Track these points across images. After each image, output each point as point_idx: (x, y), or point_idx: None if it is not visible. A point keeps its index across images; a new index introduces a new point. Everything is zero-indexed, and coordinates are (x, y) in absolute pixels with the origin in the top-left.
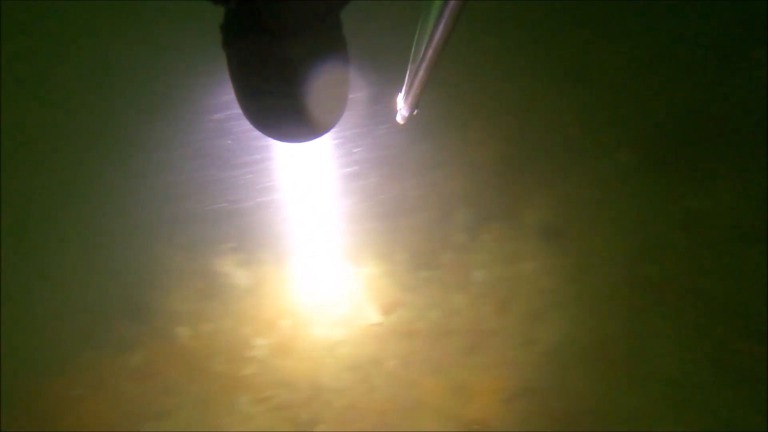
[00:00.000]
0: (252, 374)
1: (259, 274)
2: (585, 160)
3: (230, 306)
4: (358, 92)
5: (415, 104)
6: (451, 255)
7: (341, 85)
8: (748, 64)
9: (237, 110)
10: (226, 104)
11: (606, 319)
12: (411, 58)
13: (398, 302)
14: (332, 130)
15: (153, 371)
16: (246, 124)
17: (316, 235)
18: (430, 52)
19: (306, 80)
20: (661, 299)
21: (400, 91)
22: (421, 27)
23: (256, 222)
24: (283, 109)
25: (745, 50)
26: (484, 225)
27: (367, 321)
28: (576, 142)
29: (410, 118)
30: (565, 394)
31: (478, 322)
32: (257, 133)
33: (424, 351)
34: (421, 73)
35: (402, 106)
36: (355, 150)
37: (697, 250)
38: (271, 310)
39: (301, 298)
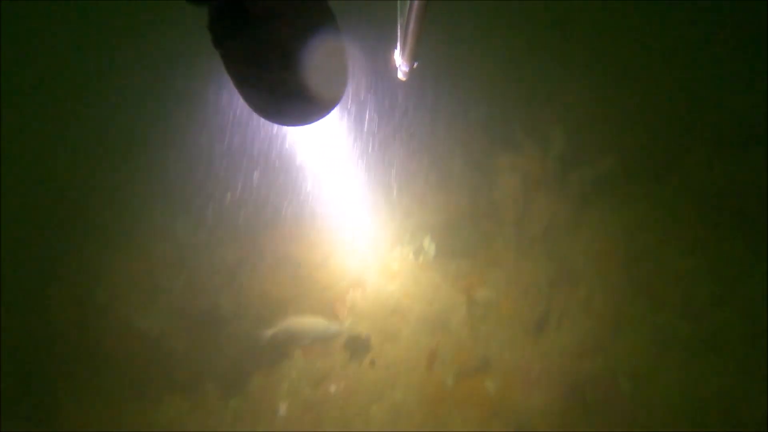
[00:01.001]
0: None
1: None
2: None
3: None
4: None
5: (413, 57)
6: (261, 380)
7: (338, 56)
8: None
9: None
10: None
11: None
12: (399, 13)
13: None
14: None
15: None
16: None
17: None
18: (417, 1)
19: (303, 59)
20: (454, 405)
21: (396, 48)
22: None
23: None
24: (287, 94)
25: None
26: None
27: None
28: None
29: (411, 72)
30: None
31: None
32: None
33: None
34: (411, 25)
35: (401, 62)
36: None
37: (483, 347)
38: None
39: None
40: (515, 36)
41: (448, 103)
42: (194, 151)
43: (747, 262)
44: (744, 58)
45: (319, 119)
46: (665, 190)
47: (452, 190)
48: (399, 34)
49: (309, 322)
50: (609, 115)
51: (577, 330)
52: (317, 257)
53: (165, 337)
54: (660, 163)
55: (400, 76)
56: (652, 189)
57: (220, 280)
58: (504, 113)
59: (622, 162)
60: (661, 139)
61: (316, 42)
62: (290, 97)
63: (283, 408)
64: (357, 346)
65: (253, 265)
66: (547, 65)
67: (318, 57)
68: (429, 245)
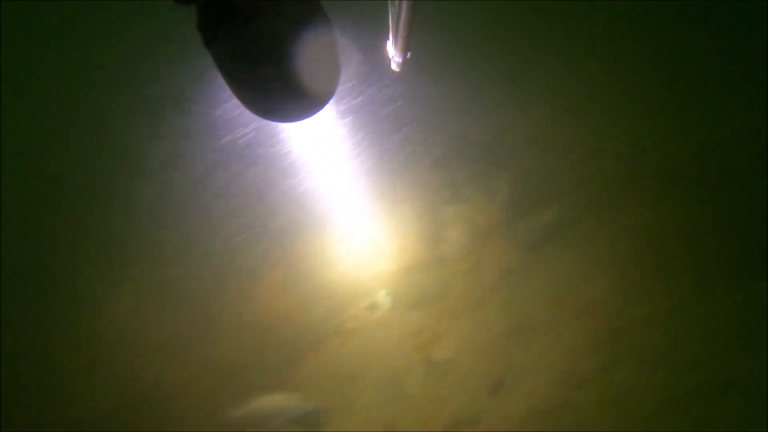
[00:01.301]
0: None
1: None
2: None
3: None
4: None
5: (406, 47)
6: None
7: (329, 49)
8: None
9: None
10: None
11: None
12: (390, 3)
13: None
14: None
15: None
16: None
17: None
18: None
19: (294, 54)
20: None
21: (388, 39)
22: None
23: None
24: (280, 90)
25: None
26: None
27: None
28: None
29: (405, 63)
30: None
31: None
32: None
33: None
34: (403, 14)
35: (394, 53)
36: None
37: (445, 412)
38: None
39: None
40: (453, 82)
41: (399, 144)
42: (138, 212)
43: (698, 309)
44: (690, 98)
45: (311, 115)
46: (610, 234)
47: (404, 238)
48: (390, 25)
49: (278, 400)
50: (551, 158)
51: (538, 388)
52: (268, 318)
53: (102, 422)
54: (604, 207)
55: (394, 67)
56: (598, 234)
57: (163, 352)
58: (449, 159)
59: (567, 206)
60: (604, 181)
61: (305, 36)
62: (281, 93)
63: None
64: (309, 422)
65: (200, 333)
66: (486, 108)
67: (308, 51)
68: (385, 298)
